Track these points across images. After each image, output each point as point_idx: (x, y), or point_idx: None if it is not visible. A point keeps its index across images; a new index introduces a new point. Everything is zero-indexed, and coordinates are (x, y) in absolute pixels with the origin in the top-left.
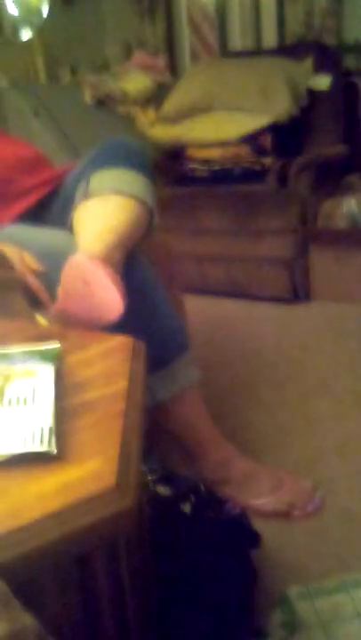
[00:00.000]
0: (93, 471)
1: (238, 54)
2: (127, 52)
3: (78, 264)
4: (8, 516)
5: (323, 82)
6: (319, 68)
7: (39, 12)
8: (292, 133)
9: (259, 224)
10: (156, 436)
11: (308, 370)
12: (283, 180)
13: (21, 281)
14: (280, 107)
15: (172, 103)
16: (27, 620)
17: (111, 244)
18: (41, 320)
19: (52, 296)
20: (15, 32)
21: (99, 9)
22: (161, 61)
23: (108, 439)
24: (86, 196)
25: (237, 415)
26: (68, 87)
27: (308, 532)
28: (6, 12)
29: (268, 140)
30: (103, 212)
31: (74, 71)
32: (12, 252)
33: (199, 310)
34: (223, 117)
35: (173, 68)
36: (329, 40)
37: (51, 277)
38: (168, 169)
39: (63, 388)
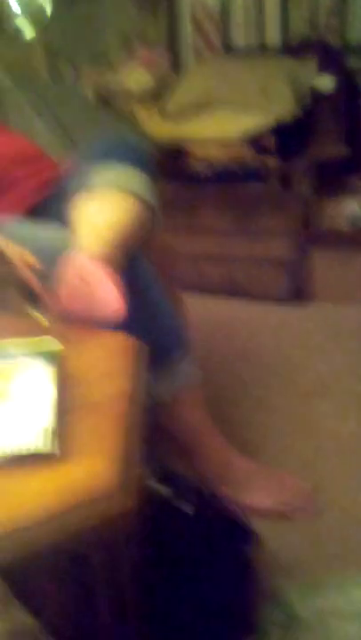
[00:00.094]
0: (94, 471)
1: (241, 52)
2: (129, 49)
3: (79, 263)
4: (8, 515)
5: (326, 82)
6: (323, 68)
7: (43, 10)
8: (295, 134)
9: (260, 224)
10: (156, 435)
11: (308, 371)
12: (284, 180)
13: (19, 278)
14: (283, 107)
15: (173, 100)
16: (26, 619)
17: (111, 243)
18: (39, 317)
19: (50, 293)
20: (18, 31)
21: (101, 5)
22: (163, 58)
23: (108, 439)
24: (86, 192)
25: (237, 415)
26: (68, 83)
27: (307, 532)
28: (9, 10)
29: (270, 140)
30: (103, 210)
31: (75, 67)
32: (10, 249)
33: (199, 310)
34: (225, 116)
35: (176, 65)
36: (333, 40)
37: (49, 274)
38: (168, 167)
39: (64, 387)
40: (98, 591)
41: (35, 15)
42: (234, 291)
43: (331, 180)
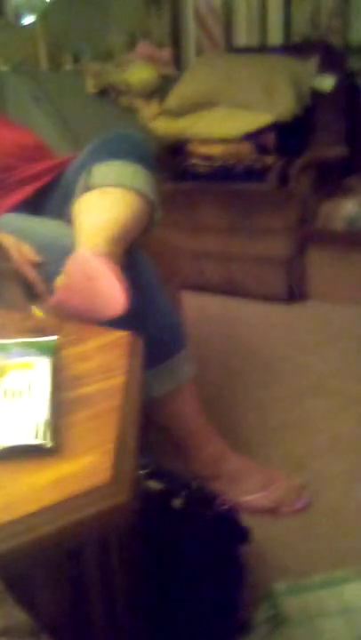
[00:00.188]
0: (89, 465)
1: (244, 50)
2: (131, 43)
3: (83, 260)
4: (2, 509)
5: (327, 82)
6: (324, 68)
7: None
8: (295, 133)
9: (258, 223)
10: (149, 430)
11: (303, 369)
12: (283, 179)
13: (18, 271)
14: (284, 105)
15: (175, 96)
16: (20, 615)
17: (112, 239)
18: (37, 311)
19: (48, 287)
20: (17, 16)
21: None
22: (166, 53)
23: (103, 434)
24: (87, 188)
25: (230, 412)
26: (69, 74)
27: (297, 529)
28: None
29: (270, 139)
30: (104, 205)
31: (76, 59)
32: (9, 242)
33: (196, 307)
34: (226, 114)
35: (178, 61)
36: (335, 41)
37: (48, 269)
38: (169, 163)
39: (60, 381)
40: (89, 585)
41: (34, 1)
42: (232, 289)
43: (329, 180)
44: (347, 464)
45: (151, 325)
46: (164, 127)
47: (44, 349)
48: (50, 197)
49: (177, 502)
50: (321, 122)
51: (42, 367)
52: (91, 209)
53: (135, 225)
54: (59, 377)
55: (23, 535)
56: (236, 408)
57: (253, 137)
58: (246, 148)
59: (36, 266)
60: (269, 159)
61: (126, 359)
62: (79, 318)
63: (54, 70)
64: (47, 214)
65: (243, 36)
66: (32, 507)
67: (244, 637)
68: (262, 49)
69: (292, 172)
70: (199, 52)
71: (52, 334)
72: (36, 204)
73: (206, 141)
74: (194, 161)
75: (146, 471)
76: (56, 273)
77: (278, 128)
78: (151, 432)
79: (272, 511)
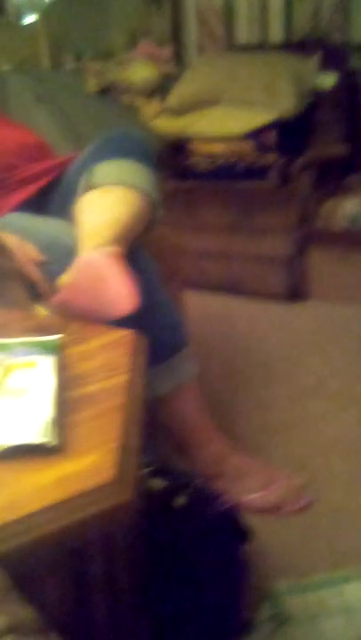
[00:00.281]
0: (93, 464)
1: (245, 48)
2: (132, 42)
3: (93, 261)
4: (6, 507)
5: (328, 80)
6: (325, 66)
7: None
8: (296, 131)
9: (259, 221)
10: (152, 429)
11: (304, 369)
12: (285, 177)
13: (21, 271)
14: (285, 104)
15: (176, 95)
16: (27, 613)
17: (114, 238)
18: (40, 310)
19: (52, 286)
20: (19, 16)
21: None
22: (167, 52)
23: (107, 432)
24: (89, 187)
25: (232, 411)
26: (70, 73)
27: (298, 529)
28: None
29: (271, 137)
30: (106, 204)
31: (78, 58)
32: (12, 242)
33: (197, 306)
34: (228, 112)
35: (179, 59)
36: (336, 38)
37: (51, 268)
38: (170, 162)
39: (63, 380)
40: (94, 586)
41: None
42: (233, 287)
43: (331, 178)
44: (348, 464)
45: (153, 324)
46: (166, 126)
47: (47, 348)
48: (52, 197)
49: (179, 501)
50: (322, 120)
51: (45, 366)
52: (93, 208)
53: (137, 224)
54: (62, 376)
55: (27, 534)
56: (237, 407)
57: (255, 135)
58: (248, 147)
59: (40, 265)
60: (270, 158)
61: (130, 358)
62: (83, 317)
63: (55, 69)
64: (49, 214)
65: (244, 34)
66: (36, 505)
67: (246, 636)
68: (263, 47)
69: (293, 170)
70: (200, 50)
71: (56, 333)
72: (38, 204)
73: (207, 140)
74: (195, 159)
75: (149, 469)
76: (59, 272)
77: (279, 126)
78: (154, 430)
79: (273, 511)
